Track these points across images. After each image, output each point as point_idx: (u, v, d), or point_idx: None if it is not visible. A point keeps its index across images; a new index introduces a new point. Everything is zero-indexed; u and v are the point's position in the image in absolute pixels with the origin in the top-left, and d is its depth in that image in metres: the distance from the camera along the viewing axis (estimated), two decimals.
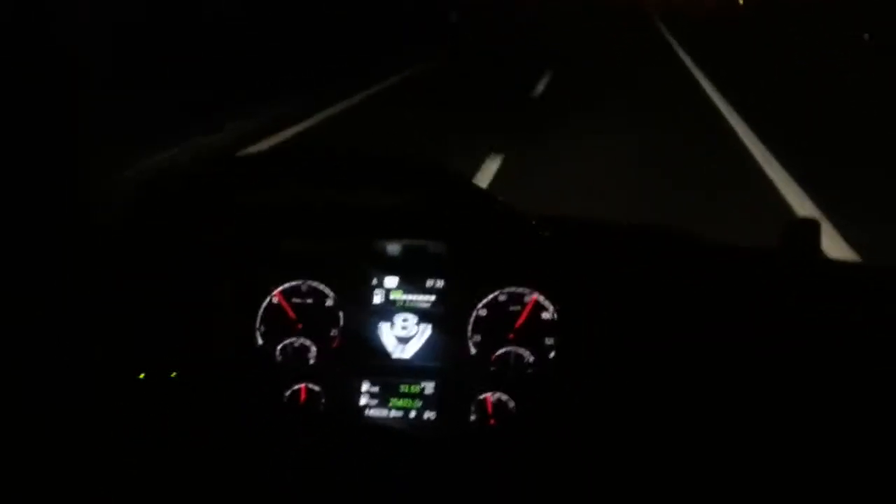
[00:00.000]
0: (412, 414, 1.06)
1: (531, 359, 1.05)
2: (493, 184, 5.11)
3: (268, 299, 1.10)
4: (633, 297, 0.99)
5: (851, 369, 0.93)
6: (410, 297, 1.10)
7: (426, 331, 1.09)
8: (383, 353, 1.09)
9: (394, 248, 1.12)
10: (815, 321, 0.96)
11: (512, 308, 1.07)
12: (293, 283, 1.11)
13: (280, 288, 1.11)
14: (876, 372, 0.93)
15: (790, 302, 0.98)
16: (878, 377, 0.93)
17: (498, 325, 1.07)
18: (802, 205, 4.72)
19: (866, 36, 15.19)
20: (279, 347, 1.09)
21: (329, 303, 1.10)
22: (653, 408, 0.95)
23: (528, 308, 1.07)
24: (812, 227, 1.04)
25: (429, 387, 1.07)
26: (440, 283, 1.10)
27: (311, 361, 1.09)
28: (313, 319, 1.10)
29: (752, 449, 0.91)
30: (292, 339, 1.09)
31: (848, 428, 0.91)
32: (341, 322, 1.10)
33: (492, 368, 1.06)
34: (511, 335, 1.07)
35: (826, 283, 1.02)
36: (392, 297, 1.10)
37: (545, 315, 1.07)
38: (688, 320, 0.99)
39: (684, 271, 1.03)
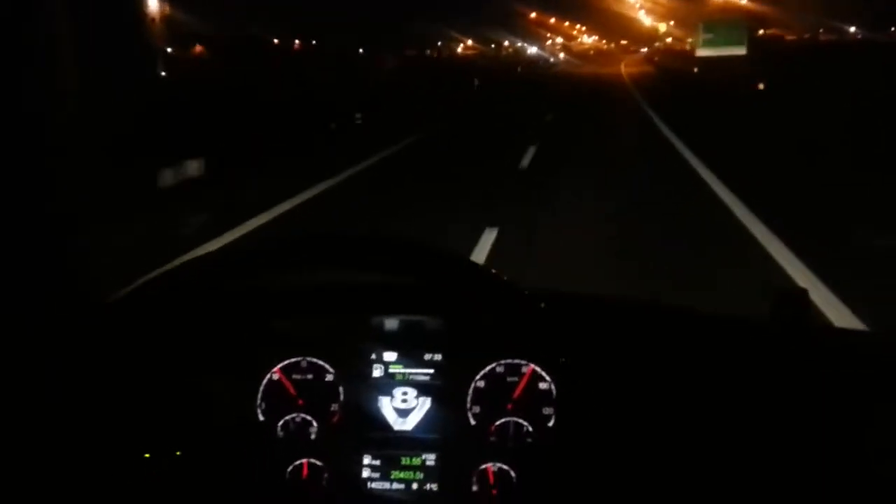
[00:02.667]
0: (414, 486, 1.07)
1: (530, 428, 1.07)
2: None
3: (268, 376, 1.12)
4: (627, 370, 1.02)
5: (835, 441, 0.96)
6: (409, 370, 1.12)
7: (426, 403, 1.10)
8: (384, 426, 1.10)
9: (391, 324, 1.14)
10: (803, 395, 0.99)
11: (510, 379, 1.09)
12: (293, 359, 1.13)
13: (280, 365, 1.12)
14: (859, 442, 0.95)
15: (779, 377, 1.01)
16: (861, 447, 0.95)
17: (496, 396, 1.09)
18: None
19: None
20: (280, 423, 1.11)
21: (329, 378, 1.12)
22: (650, 476, 0.97)
23: (525, 379, 1.09)
24: (801, 297, 1.06)
25: (430, 458, 1.08)
26: (438, 357, 1.12)
27: (313, 436, 1.10)
28: (314, 395, 1.11)
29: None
30: (293, 415, 1.11)
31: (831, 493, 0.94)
32: (341, 397, 1.11)
33: (492, 439, 1.07)
34: (510, 406, 1.08)
35: (815, 357, 1.04)
36: (391, 370, 1.12)
37: (542, 385, 1.08)
38: (681, 393, 1.01)
39: (677, 345, 1.06)
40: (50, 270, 1.07)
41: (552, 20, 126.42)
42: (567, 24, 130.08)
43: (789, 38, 60.83)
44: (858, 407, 0.97)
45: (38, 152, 1.05)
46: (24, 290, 1.04)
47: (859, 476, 0.94)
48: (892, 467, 0.93)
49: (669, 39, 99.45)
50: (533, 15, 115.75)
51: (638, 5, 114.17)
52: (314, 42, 50.58)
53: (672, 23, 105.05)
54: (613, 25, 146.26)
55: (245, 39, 33.74)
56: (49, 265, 1.07)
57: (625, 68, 52.52)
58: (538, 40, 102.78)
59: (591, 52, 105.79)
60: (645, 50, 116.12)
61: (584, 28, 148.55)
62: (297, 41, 49.89)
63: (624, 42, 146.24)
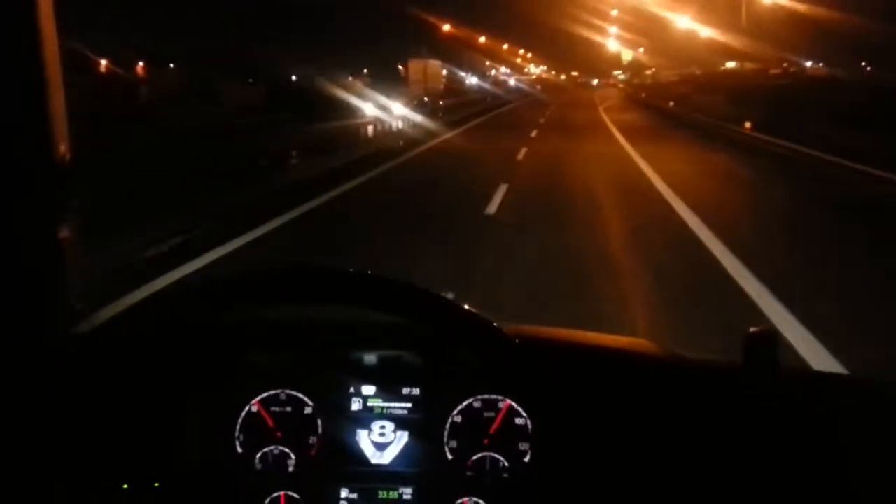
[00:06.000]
0: None
1: (506, 464, 1.09)
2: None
3: (247, 408, 1.13)
4: (601, 408, 1.03)
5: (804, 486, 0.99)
6: (388, 404, 1.13)
7: (403, 437, 1.12)
8: (362, 460, 1.11)
9: (370, 358, 1.16)
10: (772, 440, 1.01)
11: (486, 414, 1.11)
12: (272, 392, 1.14)
13: (259, 397, 1.13)
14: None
15: (750, 423, 1.03)
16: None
17: (473, 430, 1.10)
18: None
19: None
20: (258, 455, 1.11)
21: (308, 411, 1.13)
22: None
23: (501, 414, 1.11)
24: (771, 338, 1.07)
25: (407, 492, 1.09)
26: (416, 391, 1.13)
27: (291, 469, 1.10)
28: (292, 427, 1.12)
29: None
30: (272, 448, 1.11)
31: None
32: (320, 429, 1.12)
33: (468, 473, 1.09)
34: (486, 440, 1.10)
35: (785, 404, 1.06)
36: (370, 404, 1.13)
37: (519, 421, 1.10)
38: (654, 433, 1.03)
39: (651, 387, 1.08)
40: None
41: (504, 46, 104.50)
42: (506, 46, 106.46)
43: (773, 72, 51.59)
44: (828, 453, 1.00)
45: None
46: None
47: None
48: None
49: (650, 71, 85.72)
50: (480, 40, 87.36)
51: (607, 28, 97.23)
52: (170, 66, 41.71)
53: (641, 50, 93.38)
54: (567, 53, 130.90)
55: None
56: None
57: (598, 101, 43.59)
58: (478, 70, 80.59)
59: (539, 85, 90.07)
60: (622, 77, 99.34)
61: (529, 55, 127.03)
62: (140, 63, 40.74)
63: (575, 73, 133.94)
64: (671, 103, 33.60)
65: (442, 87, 49.86)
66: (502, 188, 10.37)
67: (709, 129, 21.54)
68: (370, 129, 18.79)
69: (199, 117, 20.29)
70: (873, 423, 1.04)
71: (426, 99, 31.35)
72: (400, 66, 56.14)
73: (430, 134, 20.36)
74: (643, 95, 50.81)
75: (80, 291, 1.14)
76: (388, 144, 17.37)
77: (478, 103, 40.78)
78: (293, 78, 36.80)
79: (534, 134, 21.47)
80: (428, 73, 47.89)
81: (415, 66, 48.96)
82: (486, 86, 65.96)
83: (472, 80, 69.51)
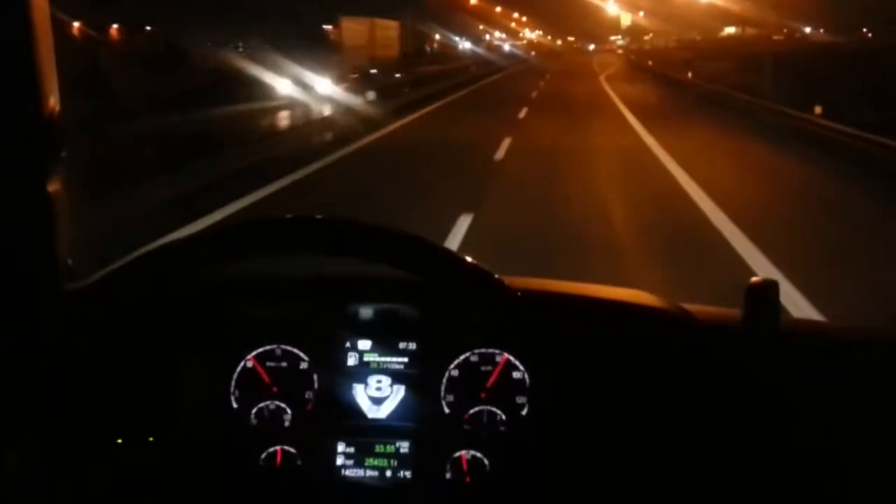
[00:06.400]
0: (388, 473, 1.09)
1: (503, 417, 1.09)
2: None
3: (242, 363, 1.13)
4: (600, 360, 1.03)
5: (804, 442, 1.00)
6: (384, 358, 1.13)
7: (400, 391, 1.12)
8: (358, 414, 1.11)
9: (366, 312, 1.15)
10: (771, 395, 1.02)
11: (483, 368, 1.11)
12: (267, 347, 1.13)
13: (254, 352, 1.13)
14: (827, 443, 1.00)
15: (750, 377, 1.03)
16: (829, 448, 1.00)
17: (470, 384, 1.11)
18: None
19: None
20: (254, 411, 1.11)
21: (303, 366, 1.13)
22: (622, 465, 1.00)
23: (498, 368, 1.11)
24: (771, 289, 1.04)
25: (404, 446, 1.10)
26: (412, 345, 1.13)
27: (287, 424, 1.11)
28: (288, 382, 1.12)
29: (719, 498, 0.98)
30: (267, 403, 1.11)
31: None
32: (316, 384, 1.12)
33: (465, 427, 1.09)
34: (483, 394, 1.10)
35: (783, 357, 1.05)
36: (366, 358, 1.13)
37: (516, 374, 1.11)
38: (653, 385, 1.03)
39: (651, 340, 1.08)
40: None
41: (497, 9, 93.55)
42: (499, 9, 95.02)
43: (776, 38, 48.52)
44: (829, 405, 1.01)
45: None
46: None
47: (829, 472, 0.99)
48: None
49: (648, 36, 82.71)
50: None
51: None
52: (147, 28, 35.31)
53: (641, 13, 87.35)
54: (562, 17, 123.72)
55: None
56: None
57: (598, 68, 38.45)
58: (472, 35, 73.50)
59: (534, 51, 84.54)
60: (621, 43, 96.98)
61: (524, 19, 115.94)
62: (115, 25, 35.14)
63: (571, 39, 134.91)
64: (690, 73, 26.85)
65: (397, 53, 38.31)
66: (462, 224, 6.09)
67: (746, 109, 15.47)
68: (283, 116, 13.47)
69: None
70: (876, 374, 1.04)
71: (373, 71, 24.07)
72: (328, 27, 41.03)
73: (372, 124, 13.47)
74: (650, 63, 41.66)
75: (71, 246, 1.12)
76: (299, 144, 11.29)
77: (459, 73, 32.36)
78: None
79: (522, 114, 16.24)
80: (376, 35, 36.02)
81: (353, 26, 35.54)
82: (480, 51, 60.39)
83: (465, 44, 63.86)
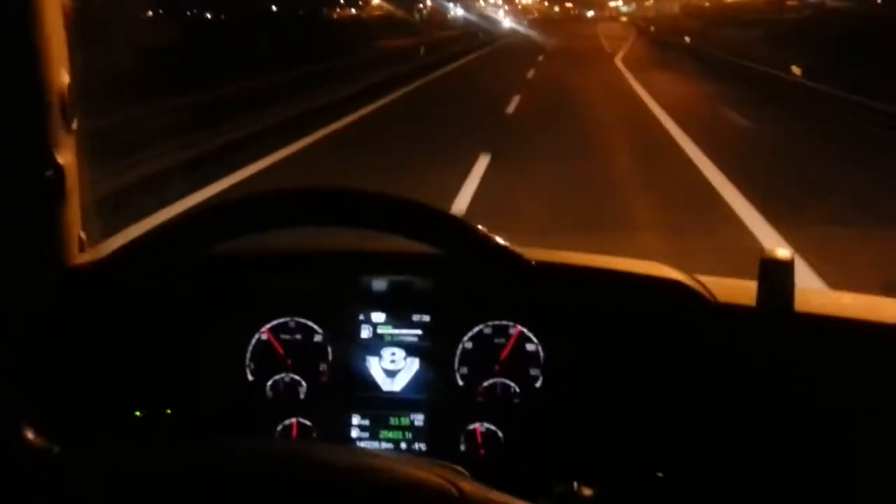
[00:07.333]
0: (402, 445, 1.10)
1: (517, 389, 1.10)
2: None
3: (257, 336, 1.13)
4: (613, 332, 1.04)
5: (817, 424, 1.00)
6: (397, 331, 1.13)
7: (414, 364, 1.12)
8: (372, 387, 1.12)
9: (380, 284, 1.15)
10: (785, 378, 1.00)
11: (497, 340, 1.11)
12: (281, 319, 1.13)
13: (268, 325, 1.13)
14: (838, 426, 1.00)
15: (761, 358, 1.01)
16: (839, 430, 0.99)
17: (484, 357, 1.11)
18: None
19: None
20: (269, 383, 1.12)
21: (318, 338, 1.13)
22: (635, 437, 1.02)
23: (512, 340, 1.11)
24: (785, 266, 1.02)
25: (418, 419, 1.11)
26: (426, 318, 1.13)
27: (302, 396, 1.12)
28: (302, 355, 1.12)
29: (730, 474, 0.98)
30: (282, 375, 1.12)
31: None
32: (330, 357, 1.13)
33: (479, 399, 1.10)
34: (497, 367, 1.11)
35: (798, 335, 1.04)
36: (380, 331, 1.13)
37: (530, 347, 1.11)
38: (664, 358, 1.03)
39: (662, 312, 1.07)
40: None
41: None
42: None
43: (790, 2, 45.59)
44: (847, 380, 1.00)
45: None
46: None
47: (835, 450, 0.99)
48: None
49: (650, 2, 72.21)
50: None
51: None
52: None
53: None
54: None
55: None
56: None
57: (607, 43, 30.02)
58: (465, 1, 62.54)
59: (528, 17, 78.12)
60: (625, 9, 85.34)
61: None
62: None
63: (569, 5, 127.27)
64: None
65: None
66: None
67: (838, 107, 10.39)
68: None
69: None
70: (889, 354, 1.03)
71: None
72: None
73: None
74: (688, 41, 26.83)
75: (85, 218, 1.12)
76: None
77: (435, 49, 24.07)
78: None
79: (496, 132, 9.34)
80: None
81: None
82: (473, 18, 53.89)
83: (458, 11, 58.72)
